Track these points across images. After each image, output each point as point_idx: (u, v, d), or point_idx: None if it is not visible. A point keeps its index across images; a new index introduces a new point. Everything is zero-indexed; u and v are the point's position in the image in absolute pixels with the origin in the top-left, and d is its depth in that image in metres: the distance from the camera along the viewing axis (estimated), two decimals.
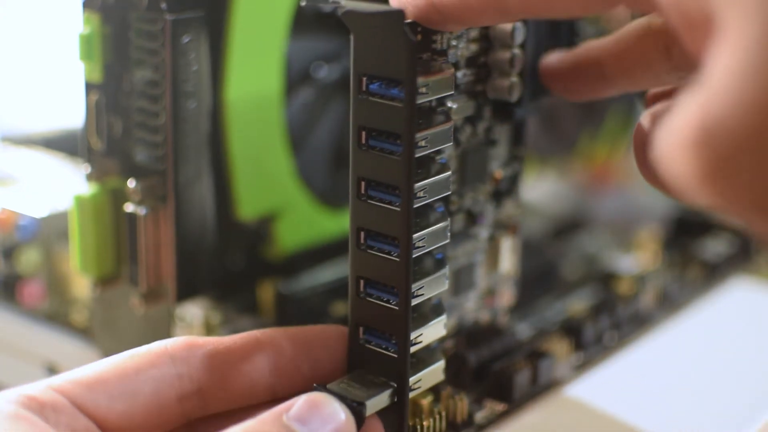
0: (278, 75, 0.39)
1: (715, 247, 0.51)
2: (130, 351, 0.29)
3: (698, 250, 0.50)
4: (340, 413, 0.28)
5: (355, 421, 0.28)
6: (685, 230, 0.52)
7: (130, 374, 0.28)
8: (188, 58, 0.35)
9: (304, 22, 0.40)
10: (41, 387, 0.27)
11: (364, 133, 0.29)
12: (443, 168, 0.30)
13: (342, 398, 0.29)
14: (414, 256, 0.29)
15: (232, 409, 0.30)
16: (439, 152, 0.30)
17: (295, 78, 0.41)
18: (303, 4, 0.28)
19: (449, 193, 0.30)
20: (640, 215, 0.55)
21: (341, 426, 0.28)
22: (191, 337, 0.30)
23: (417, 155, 0.28)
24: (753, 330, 0.44)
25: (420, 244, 0.29)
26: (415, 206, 0.29)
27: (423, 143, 0.29)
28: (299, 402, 0.28)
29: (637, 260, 0.49)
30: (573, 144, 0.54)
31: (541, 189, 0.56)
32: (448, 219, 0.31)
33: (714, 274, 0.49)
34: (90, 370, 0.28)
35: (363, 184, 0.29)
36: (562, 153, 0.54)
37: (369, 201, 0.29)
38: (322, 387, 0.29)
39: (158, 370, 0.28)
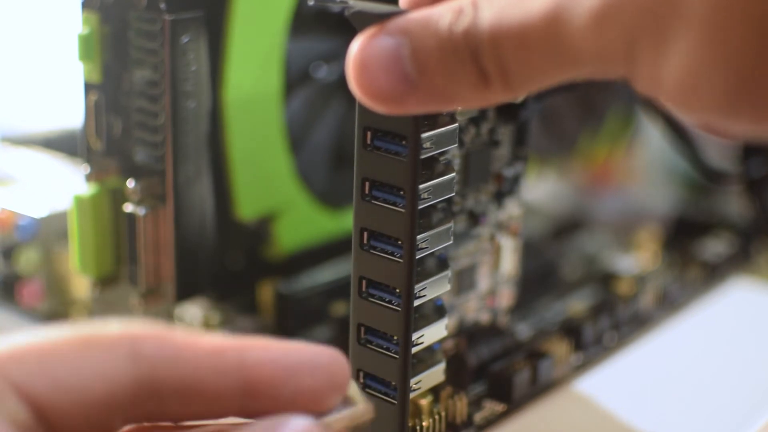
0: (278, 75, 0.39)
1: (715, 247, 0.51)
2: (83, 329, 0.24)
3: (698, 250, 0.50)
4: None
5: None
6: (685, 230, 0.52)
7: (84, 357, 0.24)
8: (187, 58, 0.35)
9: (303, 21, 0.40)
10: None
11: (369, 134, 0.29)
12: (448, 169, 0.30)
13: None
14: (417, 257, 0.29)
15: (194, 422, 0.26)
16: (443, 153, 0.30)
17: (295, 78, 0.41)
18: (311, 3, 0.28)
19: (453, 194, 0.30)
20: (640, 215, 0.55)
21: None
22: (163, 332, 0.25)
23: (422, 156, 0.28)
24: (753, 330, 0.44)
25: (423, 245, 0.29)
26: (419, 207, 0.29)
27: (428, 144, 0.29)
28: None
29: (637, 260, 0.49)
30: (573, 144, 0.54)
31: (541, 189, 0.56)
32: (452, 220, 0.31)
33: (714, 274, 0.49)
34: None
35: (367, 184, 0.29)
36: (562, 153, 0.54)
37: (373, 202, 0.29)
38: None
39: (115, 360, 0.24)
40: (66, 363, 0.23)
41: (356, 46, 0.25)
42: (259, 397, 0.25)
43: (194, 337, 0.25)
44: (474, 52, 0.24)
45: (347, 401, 0.27)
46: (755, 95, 0.21)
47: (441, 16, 0.24)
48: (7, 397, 0.23)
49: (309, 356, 0.26)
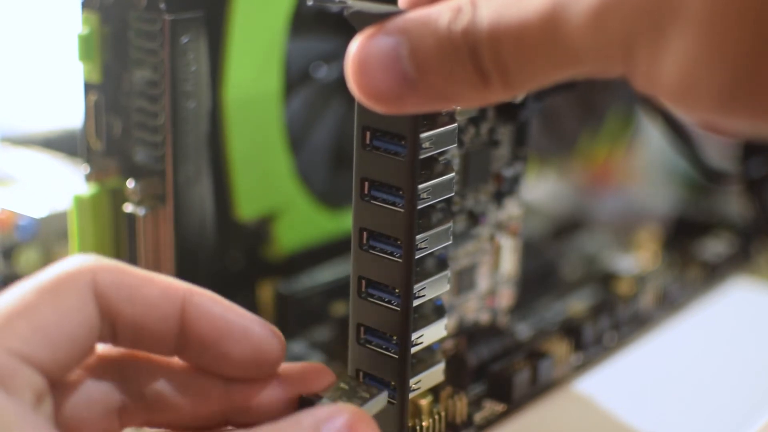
0: (278, 75, 0.39)
1: (715, 247, 0.51)
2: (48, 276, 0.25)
3: (698, 250, 0.50)
4: None
5: None
6: (685, 230, 0.52)
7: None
8: (187, 58, 0.35)
9: (303, 21, 0.40)
10: None
11: (368, 134, 0.29)
12: (447, 169, 0.30)
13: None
14: (416, 257, 0.29)
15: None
16: (442, 153, 0.30)
17: (295, 78, 0.41)
18: (310, 3, 0.28)
19: (452, 194, 0.30)
20: (640, 215, 0.55)
21: None
22: (119, 265, 0.27)
23: (421, 156, 0.28)
24: (753, 330, 0.44)
25: (422, 245, 0.29)
26: (418, 207, 0.29)
27: (427, 144, 0.29)
28: (341, 420, 0.26)
29: (637, 260, 0.49)
30: (573, 144, 0.54)
31: (541, 189, 0.56)
32: (451, 220, 0.31)
33: (714, 274, 0.49)
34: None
35: (366, 184, 0.29)
36: (562, 153, 0.54)
37: (372, 202, 0.29)
38: (316, 397, 0.28)
39: (85, 302, 0.26)
40: (51, 319, 0.25)
41: (355, 45, 0.25)
42: (188, 349, 0.27)
43: (146, 276, 0.27)
44: (473, 51, 0.24)
45: (368, 391, 0.29)
46: (753, 93, 0.21)
47: (440, 15, 0.24)
48: (20, 373, 0.24)
49: (242, 327, 0.28)
